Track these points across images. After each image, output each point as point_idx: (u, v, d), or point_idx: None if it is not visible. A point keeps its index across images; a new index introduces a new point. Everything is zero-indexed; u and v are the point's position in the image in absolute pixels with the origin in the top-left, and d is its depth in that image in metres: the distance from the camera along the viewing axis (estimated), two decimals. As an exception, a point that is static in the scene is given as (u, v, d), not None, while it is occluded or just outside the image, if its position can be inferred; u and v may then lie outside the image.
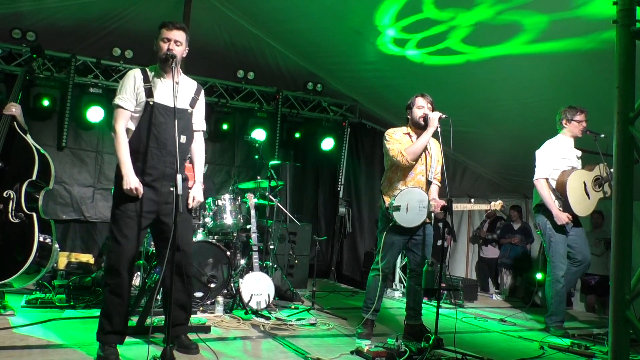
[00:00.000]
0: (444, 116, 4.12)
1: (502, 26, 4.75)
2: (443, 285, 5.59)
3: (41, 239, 4.01)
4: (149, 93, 3.44)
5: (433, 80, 6.28)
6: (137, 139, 3.43)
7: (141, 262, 5.13)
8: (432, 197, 4.33)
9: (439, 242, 6.75)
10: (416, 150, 4.19)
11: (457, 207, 4.19)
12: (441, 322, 3.82)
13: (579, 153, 5.14)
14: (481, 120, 6.65)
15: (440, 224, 7.29)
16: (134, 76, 3.48)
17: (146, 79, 3.48)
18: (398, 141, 4.28)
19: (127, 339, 3.51)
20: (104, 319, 3.36)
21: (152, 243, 4.96)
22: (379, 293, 4.30)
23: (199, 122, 3.74)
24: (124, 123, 3.44)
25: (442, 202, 4.19)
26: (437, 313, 3.78)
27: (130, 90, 3.44)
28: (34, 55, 4.64)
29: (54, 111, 6.89)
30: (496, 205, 4.43)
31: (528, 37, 4.79)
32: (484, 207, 4.61)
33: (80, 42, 6.87)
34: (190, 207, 3.62)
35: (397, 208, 4.25)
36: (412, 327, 4.40)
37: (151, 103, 3.42)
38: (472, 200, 4.34)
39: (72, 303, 4.83)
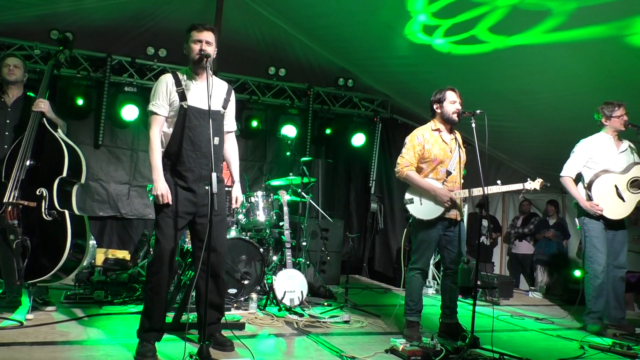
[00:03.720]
0: (478, 111, 4.03)
1: (532, 12, 4.61)
2: (479, 283, 5.50)
3: (74, 235, 4.05)
4: (182, 96, 3.47)
5: (465, 73, 6.18)
6: (173, 142, 3.47)
7: (177, 259, 5.18)
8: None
9: (482, 239, 6.63)
10: (413, 184, 4.20)
11: (490, 189, 4.00)
12: (477, 321, 3.76)
13: (625, 146, 5.00)
14: (516, 113, 6.51)
15: (485, 221, 7.17)
16: (166, 81, 3.51)
17: (178, 83, 3.50)
18: (416, 152, 4.20)
19: (164, 336, 3.56)
20: (144, 316, 3.43)
21: (187, 240, 5.04)
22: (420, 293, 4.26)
23: (230, 122, 3.77)
24: (158, 129, 3.49)
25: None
26: (474, 311, 3.73)
27: (163, 95, 3.48)
28: (60, 47, 4.64)
29: (90, 110, 7.02)
30: (534, 184, 4.05)
31: (556, 21, 4.63)
32: (516, 187, 4.13)
33: (115, 42, 6.98)
34: (233, 207, 3.69)
35: (411, 201, 4.22)
36: (447, 325, 4.34)
37: (185, 106, 3.45)
38: (499, 182, 4.12)
39: (109, 299, 4.93)
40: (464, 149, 4.33)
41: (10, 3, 5.84)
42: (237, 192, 3.76)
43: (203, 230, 3.36)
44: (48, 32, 6.41)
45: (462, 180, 4.34)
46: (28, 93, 4.60)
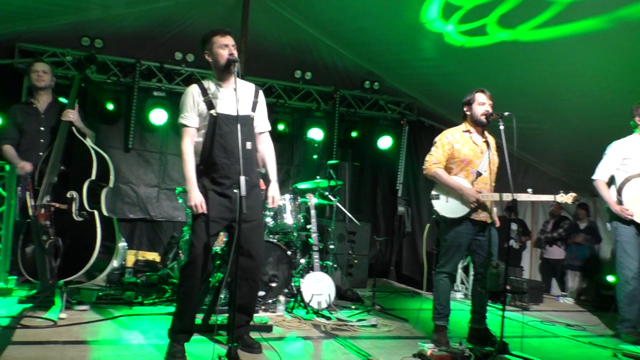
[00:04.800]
0: (506, 114, 3.97)
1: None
2: (508, 287, 5.42)
3: (104, 235, 4.17)
4: (210, 105, 3.49)
5: (492, 74, 6.11)
6: (206, 151, 3.49)
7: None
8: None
9: (511, 243, 6.53)
10: (441, 182, 4.17)
11: (519, 197, 3.90)
12: (506, 326, 3.70)
13: None
14: (545, 115, 6.40)
15: (514, 225, 7.06)
16: (192, 92, 3.53)
17: (204, 92, 3.52)
18: (445, 150, 4.18)
19: (193, 337, 3.59)
20: (175, 318, 3.48)
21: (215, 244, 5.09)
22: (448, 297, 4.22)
23: (262, 123, 3.76)
24: (190, 140, 3.51)
25: None
26: (503, 316, 3.66)
27: (190, 107, 3.51)
28: (86, 64, 4.81)
29: (120, 115, 7.15)
30: (566, 197, 3.90)
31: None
32: (547, 198, 4.00)
33: (144, 48, 7.10)
34: (270, 207, 3.65)
35: (436, 197, 4.18)
36: (476, 330, 4.28)
37: (214, 114, 3.47)
38: (530, 190, 4.03)
39: (140, 299, 5.00)
40: (495, 152, 4.27)
41: (43, 12, 5.98)
42: (273, 192, 3.68)
43: (242, 236, 3.37)
44: (79, 39, 6.56)
45: (494, 184, 4.28)
46: (59, 99, 4.73)
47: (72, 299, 4.54)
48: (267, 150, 3.78)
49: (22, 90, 6.45)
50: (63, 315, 4.15)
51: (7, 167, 5.23)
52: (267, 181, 3.76)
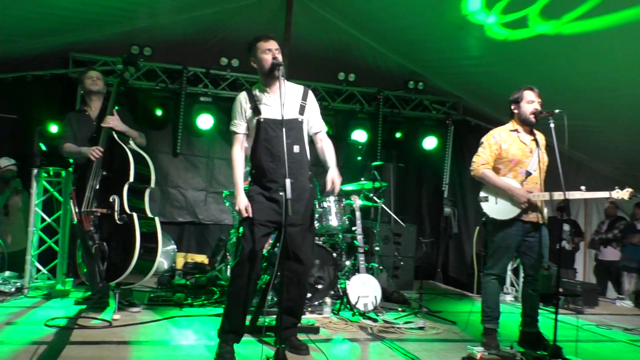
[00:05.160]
0: (556, 111, 3.86)
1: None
2: (561, 290, 5.26)
3: (143, 236, 4.21)
4: (257, 111, 3.54)
5: (539, 70, 5.93)
6: (255, 156, 3.56)
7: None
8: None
9: (563, 244, 6.34)
10: (489, 183, 4.08)
11: (572, 195, 3.79)
12: (559, 330, 3.59)
13: None
14: (599, 112, 6.18)
15: (566, 226, 6.85)
16: (240, 100, 3.61)
17: (251, 99, 3.58)
18: (492, 150, 4.10)
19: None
20: (224, 318, 3.53)
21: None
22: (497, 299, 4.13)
23: (316, 124, 3.73)
24: (238, 147, 3.60)
25: None
26: (556, 319, 3.56)
27: (238, 114, 3.59)
28: (124, 66, 4.90)
29: (168, 120, 7.33)
30: (622, 193, 3.73)
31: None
32: (601, 194, 3.85)
33: (190, 54, 7.26)
34: (328, 189, 3.51)
35: (485, 199, 4.09)
36: (528, 334, 4.16)
37: (261, 120, 3.52)
38: (583, 187, 3.87)
39: (189, 301, 5.11)
40: (544, 151, 4.15)
41: (95, 22, 6.20)
42: (333, 174, 3.54)
43: (289, 239, 3.40)
44: (129, 48, 6.77)
45: (544, 183, 4.15)
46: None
47: (124, 301, 4.68)
48: (326, 147, 3.69)
49: (75, 99, 6.71)
50: (116, 316, 4.29)
51: (63, 173, 5.46)
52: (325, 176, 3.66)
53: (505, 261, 4.14)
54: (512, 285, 6.81)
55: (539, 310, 4.22)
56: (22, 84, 6.75)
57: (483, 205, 4.12)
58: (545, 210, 4.14)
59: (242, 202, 3.47)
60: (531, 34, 5.27)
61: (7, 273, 5.30)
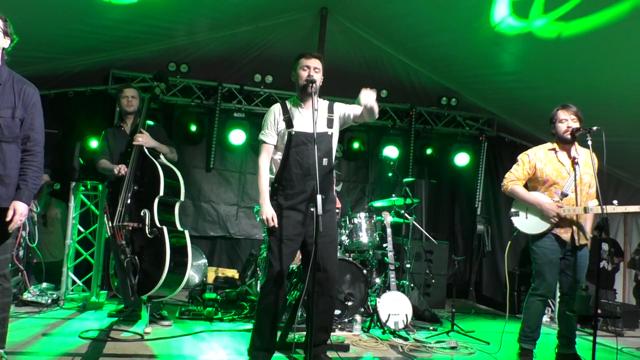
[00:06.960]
0: (594, 128, 3.78)
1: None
2: (599, 311, 5.09)
3: (172, 249, 4.23)
4: (289, 124, 3.60)
5: (575, 84, 5.80)
6: (283, 167, 3.61)
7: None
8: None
9: (602, 264, 6.16)
10: (519, 198, 4.12)
11: (608, 209, 3.69)
12: (598, 353, 3.47)
13: None
14: (636, 127, 6.00)
15: (605, 245, 6.65)
16: (274, 111, 3.68)
17: (285, 111, 3.65)
18: (525, 168, 4.12)
19: (271, 354, 3.64)
20: (255, 335, 3.55)
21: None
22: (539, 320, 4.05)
23: (351, 109, 3.78)
24: (266, 156, 3.66)
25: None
26: (594, 342, 3.44)
27: (271, 124, 3.65)
28: (155, 83, 4.99)
29: (202, 135, 7.44)
30: None
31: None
32: (634, 209, 3.79)
33: (225, 71, 7.38)
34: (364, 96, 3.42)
35: (516, 213, 4.09)
36: (564, 356, 4.04)
37: (292, 133, 3.57)
38: (615, 201, 3.80)
39: (219, 315, 5.14)
40: (591, 167, 4.03)
41: (135, 40, 6.38)
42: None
43: (317, 252, 3.40)
44: (166, 65, 6.93)
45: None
46: (147, 122, 4.97)
47: (155, 314, 4.73)
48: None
49: (114, 114, 6.89)
50: (148, 329, 4.35)
51: (100, 187, 5.59)
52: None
53: (550, 280, 4.01)
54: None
55: (577, 332, 4.10)
56: (64, 99, 6.96)
57: (514, 219, 4.14)
58: (588, 229, 4.04)
59: (269, 211, 3.52)
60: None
61: (44, 284, 5.43)
